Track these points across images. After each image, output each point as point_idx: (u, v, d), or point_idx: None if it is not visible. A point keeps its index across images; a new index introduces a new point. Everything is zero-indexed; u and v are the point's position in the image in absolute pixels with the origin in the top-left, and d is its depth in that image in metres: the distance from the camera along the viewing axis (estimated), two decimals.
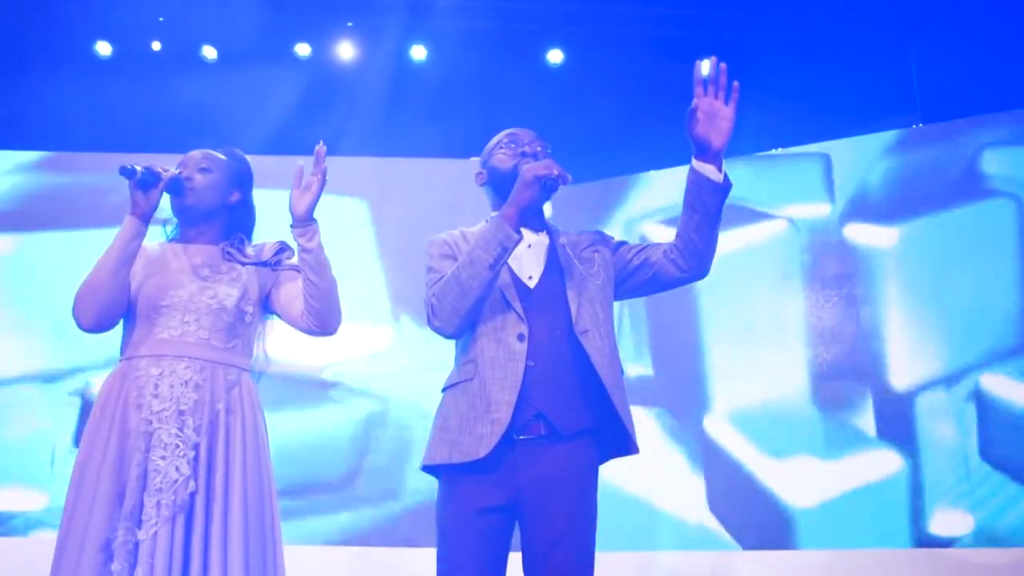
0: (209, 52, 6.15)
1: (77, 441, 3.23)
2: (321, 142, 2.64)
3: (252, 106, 5.78)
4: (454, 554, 2.52)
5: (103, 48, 6.12)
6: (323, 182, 2.64)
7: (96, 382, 5.15)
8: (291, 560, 2.70)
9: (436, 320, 2.59)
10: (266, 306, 2.79)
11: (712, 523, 5.40)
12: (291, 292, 2.75)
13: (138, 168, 2.56)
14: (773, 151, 5.77)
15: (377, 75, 6.08)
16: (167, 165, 2.67)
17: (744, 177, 4.92)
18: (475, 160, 2.88)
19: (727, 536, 5.34)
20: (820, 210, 5.66)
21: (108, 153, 5.78)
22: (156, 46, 6.13)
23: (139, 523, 2.40)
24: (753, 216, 5.65)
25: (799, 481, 5.32)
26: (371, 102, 5.98)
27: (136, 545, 2.38)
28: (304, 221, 2.63)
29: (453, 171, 5.50)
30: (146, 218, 2.61)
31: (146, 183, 2.58)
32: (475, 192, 2.87)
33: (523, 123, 2.83)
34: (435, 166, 5.73)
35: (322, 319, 2.67)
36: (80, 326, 2.59)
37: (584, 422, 2.57)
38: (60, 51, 6.04)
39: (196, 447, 2.49)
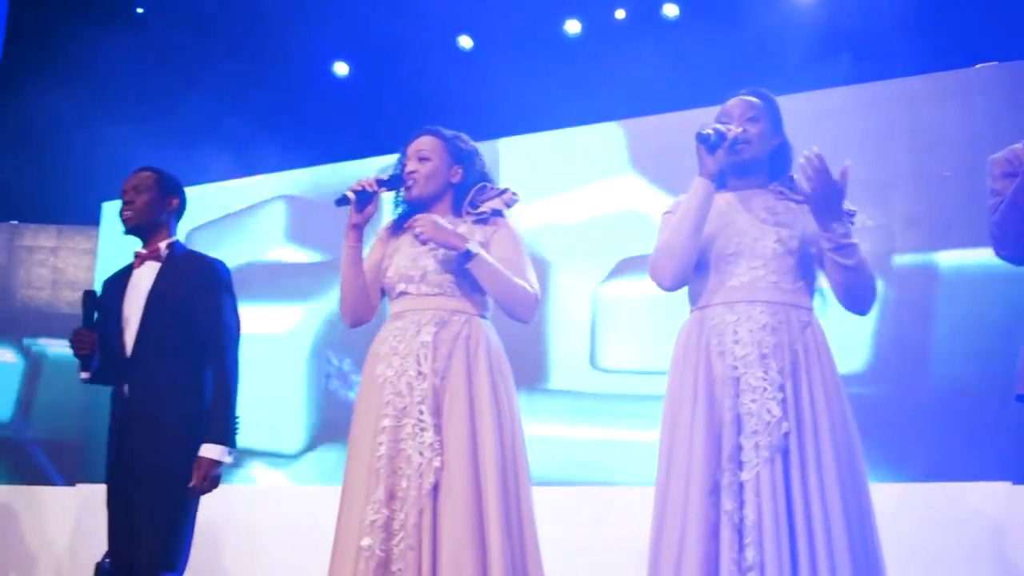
0: (670, 10, 6.23)
1: None
2: None
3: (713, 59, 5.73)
4: None
5: (572, 27, 6.41)
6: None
7: None
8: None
9: (1002, 250, 2.47)
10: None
11: None
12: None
13: (711, 133, 2.63)
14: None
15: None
16: (716, 126, 2.68)
17: None
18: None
19: None
20: None
21: (587, 125, 6.04)
22: (620, 14, 6.31)
23: (740, 464, 2.48)
24: None
25: None
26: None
27: (740, 486, 2.46)
28: None
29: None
30: (714, 179, 2.67)
31: (715, 146, 2.64)
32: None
33: None
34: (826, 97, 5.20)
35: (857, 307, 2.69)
36: (661, 286, 2.72)
37: None
38: (529, 35, 6.40)
39: (782, 388, 2.53)
